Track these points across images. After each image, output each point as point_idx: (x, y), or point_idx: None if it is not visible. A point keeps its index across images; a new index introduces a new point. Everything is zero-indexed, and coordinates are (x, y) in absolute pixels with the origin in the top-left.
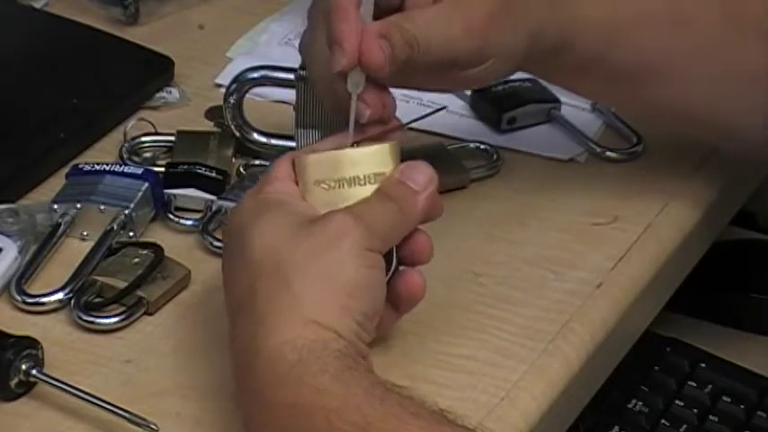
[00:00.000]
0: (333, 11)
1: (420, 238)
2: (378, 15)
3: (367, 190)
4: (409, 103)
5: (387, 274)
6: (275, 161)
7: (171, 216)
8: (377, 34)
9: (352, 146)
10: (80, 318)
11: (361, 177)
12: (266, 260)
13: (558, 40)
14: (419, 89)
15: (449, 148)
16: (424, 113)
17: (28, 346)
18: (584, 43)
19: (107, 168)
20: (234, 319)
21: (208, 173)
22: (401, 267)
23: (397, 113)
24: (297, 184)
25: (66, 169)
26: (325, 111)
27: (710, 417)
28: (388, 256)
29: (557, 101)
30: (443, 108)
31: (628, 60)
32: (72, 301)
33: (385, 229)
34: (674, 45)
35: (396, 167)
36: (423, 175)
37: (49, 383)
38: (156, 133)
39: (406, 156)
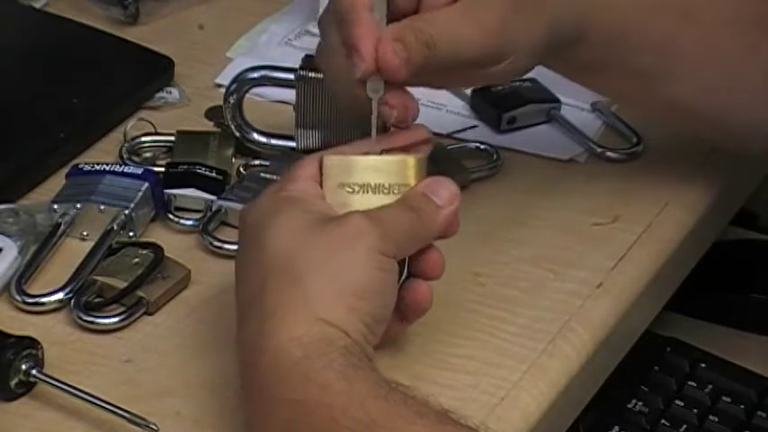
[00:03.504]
0: (346, 16)
1: (433, 254)
2: (394, 19)
3: (390, 199)
4: None
5: (398, 283)
6: (300, 160)
7: (171, 216)
8: (392, 38)
9: (380, 153)
10: (80, 318)
11: (386, 186)
12: (279, 256)
13: (574, 30)
14: (437, 87)
15: (449, 148)
16: (457, 129)
17: (28, 346)
18: (600, 32)
19: (107, 168)
20: (243, 313)
21: (208, 173)
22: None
23: None
24: (320, 184)
25: (66, 169)
26: (326, 111)
27: (710, 417)
28: (399, 265)
29: (557, 101)
30: (475, 126)
31: (640, 52)
32: (72, 301)
33: (401, 236)
34: (685, 39)
35: (421, 180)
36: (447, 192)
37: (49, 383)
38: (156, 133)
39: None
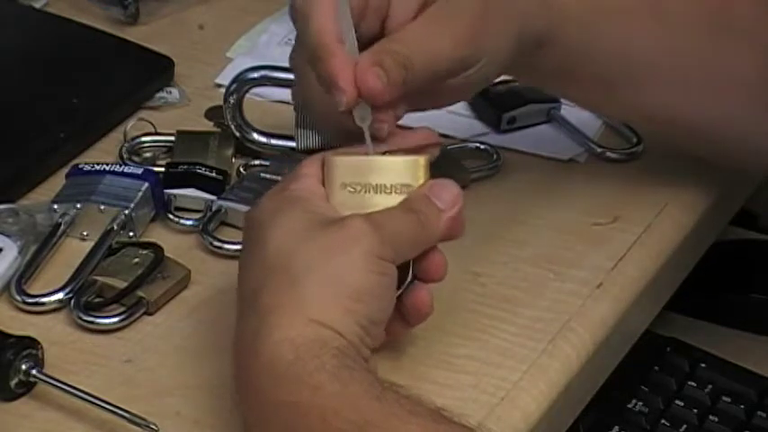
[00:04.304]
0: (318, 52)
1: (436, 256)
2: (362, 47)
3: (393, 200)
4: None
5: (402, 287)
6: (305, 159)
7: (171, 216)
8: (369, 64)
9: (384, 154)
10: (80, 318)
11: (389, 187)
12: (278, 256)
13: (540, 37)
14: (414, 110)
15: (449, 148)
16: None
17: (28, 346)
18: (567, 34)
19: (107, 168)
20: (242, 312)
21: (208, 173)
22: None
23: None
24: (324, 184)
25: (66, 169)
26: None
27: (710, 417)
28: (404, 269)
29: (557, 101)
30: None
31: (611, 57)
32: (72, 301)
33: (402, 240)
34: (658, 46)
35: (425, 182)
36: (450, 194)
37: (49, 383)
38: (156, 133)
39: None
